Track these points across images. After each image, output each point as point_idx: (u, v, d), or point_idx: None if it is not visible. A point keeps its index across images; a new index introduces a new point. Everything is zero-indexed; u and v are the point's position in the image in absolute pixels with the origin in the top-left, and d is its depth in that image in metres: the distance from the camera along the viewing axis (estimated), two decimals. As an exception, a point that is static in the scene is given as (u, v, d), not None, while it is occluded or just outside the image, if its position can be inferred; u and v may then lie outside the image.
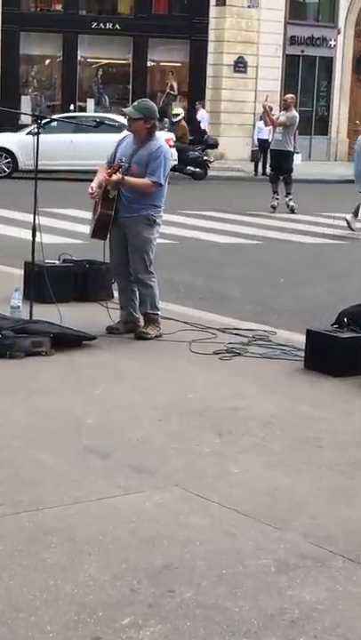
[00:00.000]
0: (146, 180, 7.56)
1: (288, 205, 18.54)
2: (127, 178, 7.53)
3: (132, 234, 7.68)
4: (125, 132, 7.94)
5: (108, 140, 22.75)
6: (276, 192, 18.78)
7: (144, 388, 6.36)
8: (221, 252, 13.39)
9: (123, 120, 23.35)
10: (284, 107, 18.91)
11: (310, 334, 7.11)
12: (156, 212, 7.70)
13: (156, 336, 7.70)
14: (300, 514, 4.46)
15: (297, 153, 20.91)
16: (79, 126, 21.68)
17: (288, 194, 18.66)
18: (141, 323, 7.83)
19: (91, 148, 21.19)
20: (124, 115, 7.97)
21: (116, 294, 8.57)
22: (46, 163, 22.61)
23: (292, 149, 18.74)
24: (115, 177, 7.52)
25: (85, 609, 3.52)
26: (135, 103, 7.86)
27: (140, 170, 7.58)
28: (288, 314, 9.39)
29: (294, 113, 18.67)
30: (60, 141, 22.63)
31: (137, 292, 7.83)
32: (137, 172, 7.58)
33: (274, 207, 18.66)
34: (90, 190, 7.66)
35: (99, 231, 7.76)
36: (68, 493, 4.53)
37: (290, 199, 18.61)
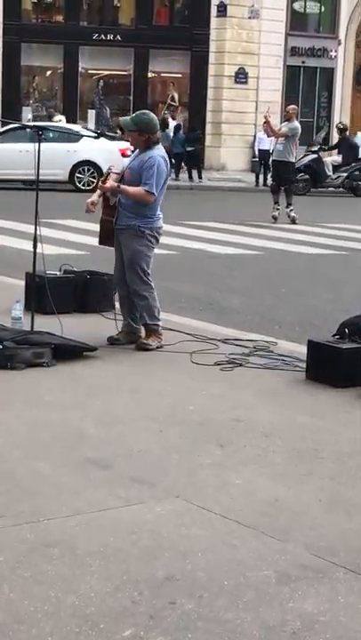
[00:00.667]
0: (140, 189, 7.57)
1: (289, 216, 18.56)
2: (123, 186, 7.58)
3: (124, 245, 7.72)
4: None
5: (62, 149, 23.04)
6: (277, 202, 18.80)
7: (145, 399, 6.36)
8: (222, 263, 13.40)
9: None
10: (286, 118, 18.93)
11: (311, 345, 7.11)
12: (144, 223, 7.66)
13: (157, 347, 7.70)
14: (301, 525, 4.45)
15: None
16: (34, 136, 21.74)
17: (289, 204, 18.69)
18: (142, 333, 7.83)
19: (45, 157, 21.35)
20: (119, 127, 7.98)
21: (117, 305, 8.57)
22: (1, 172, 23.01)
23: (293, 160, 18.78)
24: (108, 184, 7.59)
25: (87, 621, 3.51)
26: (133, 115, 7.88)
27: (133, 177, 7.61)
28: (289, 324, 9.39)
29: (296, 124, 18.68)
30: (13, 150, 22.59)
31: None
32: (129, 179, 7.63)
33: (275, 218, 18.69)
34: (89, 205, 7.81)
35: (104, 238, 7.84)
36: (69, 504, 4.53)
37: (291, 210, 18.64)
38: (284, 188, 18.65)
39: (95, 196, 7.86)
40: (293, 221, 18.46)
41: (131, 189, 7.59)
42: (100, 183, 7.84)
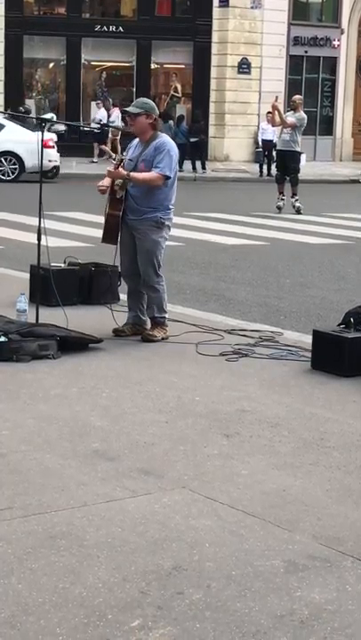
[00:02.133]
0: (152, 173, 7.50)
1: (294, 206, 18.52)
2: (133, 173, 7.51)
3: (141, 236, 7.65)
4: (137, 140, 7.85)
5: (5, 140, 23.07)
6: (282, 193, 18.77)
7: (151, 391, 6.36)
8: (227, 254, 13.38)
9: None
10: (292, 107, 18.81)
11: (317, 335, 7.10)
12: (164, 214, 7.66)
13: (162, 338, 7.70)
14: (308, 515, 4.45)
15: (301, 153, 20.81)
16: None
17: (294, 194, 18.63)
18: (148, 325, 7.82)
19: None
20: (127, 115, 7.85)
21: (122, 297, 8.56)
22: None
23: (299, 149, 18.68)
24: (121, 170, 7.50)
25: (95, 612, 3.52)
26: (134, 102, 7.86)
27: (148, 167, 7.54)
28: (294, 314, 9.38)
29: (303, 114, 18.65)
30: None
31: (145, 295, 7.82)
32: (145, 170, 7.55)
33: (280, 208, 18.66)
34: (100, 185, 7.67)
35: (108, 235, 7.70)
36: (76, 497, 4.54)
37: (296, 200, 18.58)
38: (289, 177, 18.57)
39: (106, 181, 7.69)
40: (298, 211, 18.43)
41: (140, 175, 7.50)
42: (109, 169, 7.72)
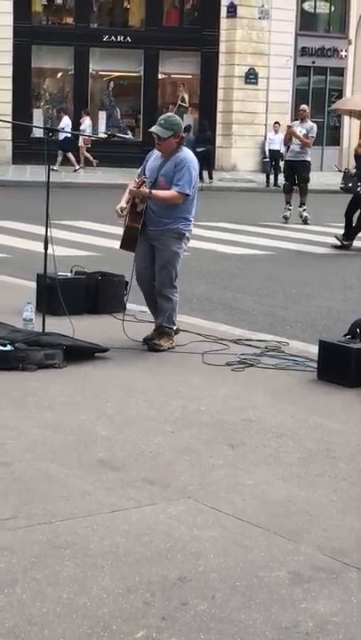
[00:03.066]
0: (172, 191, 7.55)
1: (301, 216, 18.51)
2: (154, 191, 7.54)
3: (161, 247, 7.68)
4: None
5: None
6: (288, 202, 18.77)
7: (156, 400, 6.35)
8: (233, 263, 13.39)
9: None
10: (300, 118, 18.77)
11: (323, 345, 7.09)
12: (185, 225, 7.71)
13: (168, 348, 7.71)
14: (313, 526, 4.44)
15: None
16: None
17: (302, 204, 18.61)
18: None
19: None
20: (154, 136, 7.80)
21: (128, 307, 8.54)
22: None
23: (309, 159, 18.62)
24: (143, 189, 7.53)
25: (99, 622, 3.51)
26: (162, 121, 7.64)
27: (168, 182, 7.58)
28: (300, 325, 9.37)
29: (312, 123, 18.67)
30: None
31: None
32: (165, 186, 7.59)
33: (286, 218, 18.66)
34: (119, 212, 7.69)
35: (127, 243, 7.79)
36: (81, 506, 4.53)
37: (303, 209, 18.57)
38: (299, 187, 18.53)
39: (123, 202, 7.72)
40: (305, 221, 18.42)
41: (162, 194, 7.56)
42: (130, 187, 7.73)
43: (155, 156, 7.79)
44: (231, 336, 8.21)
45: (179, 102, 33.01)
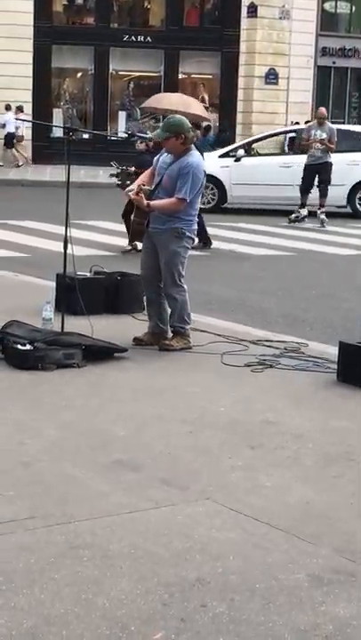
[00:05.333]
0: (171, 200, 7.58)
1: (320, 218, 18.22)
2: (152, 203, 7.57)
3: (162, 246, 7.69)
4: None
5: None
6: (303, 205, 18.46)
7: (175, 401, 6.34)
8: (253, 264, 13.36)
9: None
10: (319, 122, 18.58)
11: (343, 346, 7.06)
12: (186, 224, 7.70)
13: (180, 349, 7.67)
14: (332, 528, 4.42)
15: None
16: None
17: (321, 206, 18.27)
18: (169, 335, 7.82)
19: None
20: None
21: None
22: None
23: (331, 160, 18.40)
24: (142, 201, 7.54)
25: (117, 623, 3.50)
26: (161, 124, 7.82)
27: (171, 182, 7.59)
28: (320, 326, 9.34)
29: (332, 126, 18.55)
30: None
31: (165, 304, 7.84)
32: (168, 185, 7.59)
33: (290, 219, 18.32)
34: (128, 192, 7.86)
35: (135, 237, 7.96)
36: (99, 507, 4.52)
37: (322, 212, 18.23)
38: (319, 188, 18.24)
39: (134, 185, 7.81)
40: (322, 224, 18.01)
41: (159, 205, 7.58)
42: (131, 194, 7.73)
43: (166, 154, 7.80)
44: (251, 337, 8.19)
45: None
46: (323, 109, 19.81)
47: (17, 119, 27.59)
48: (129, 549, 4.08)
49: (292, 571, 3.97)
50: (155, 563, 3.98)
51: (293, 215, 18.47)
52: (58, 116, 31.58)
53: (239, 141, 30.31)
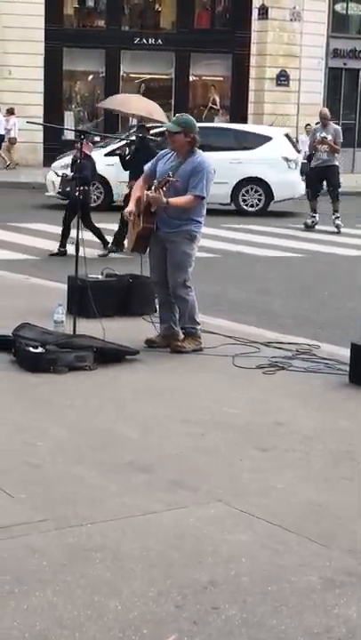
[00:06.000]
0: (189, 196, 7.58)
1: (335, 223, 17.72)
2: (171, 200, 7.54)
3: (173, 248, 7.69)
4: (167, 149, 7.94)
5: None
6: (314, 210, 18.10)
7: (186, 403, 6.34)
8: (264, 266, 13.35)
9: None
10: (323, 124, 18.28)
11: (355, 348, 7.05)
12: (197, 226, 7.73)
13: (192, 350, 7.68)
14: (344, 530, 4.41)
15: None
16: None
17: (335, 211, 17.82)
18: (181, 336, 7.82)
19: None
20: (166, 132, 7.89)
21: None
22: None
23: (338, 163, 18.21)
24: (161, 197, 7.48)
25: (130, 626, 3.50)
26: (174, 118, 7.90)
27: (184, 184, 7.59)
28: (332, 327, 9.33)
29: (336, 126, 18.44)
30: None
31: (177, 306, 7.85)
32: (180, 187, 7.59)
33: (306, 225, 18.01)
34: (127, 215, 7.81)
35: (139, 244, 7.81)
36: (111, 509, 4.52)
37: (337, 217, 17.74)
38: (330, 193, 17.90)
39: (132, 206, 7.78)
40: (338, 229, 17.61)
41: (179, 201, 7.57)
42: (148, 193, 7.66)
43: (168, 157, 7.78)
44: (262, 339, 8.18)
45: (210, 104, 33.01)
46: (324, 110, 19.35)
47: (8, 120, 27.84)
48: (141, 551, 4.08)
49: (304, 573, 3.96)
50: (167, 565, 3.98)
51: (310, 221, 18.13)
52: (69, 119, 31.59)
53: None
